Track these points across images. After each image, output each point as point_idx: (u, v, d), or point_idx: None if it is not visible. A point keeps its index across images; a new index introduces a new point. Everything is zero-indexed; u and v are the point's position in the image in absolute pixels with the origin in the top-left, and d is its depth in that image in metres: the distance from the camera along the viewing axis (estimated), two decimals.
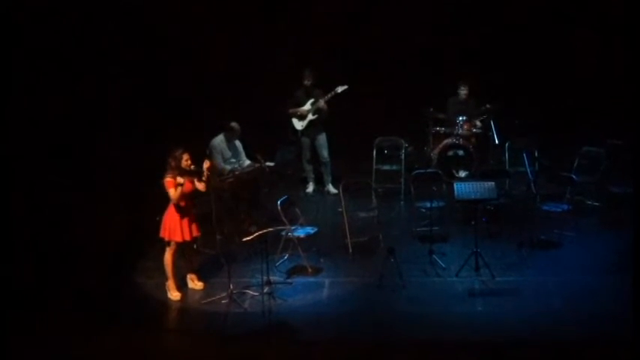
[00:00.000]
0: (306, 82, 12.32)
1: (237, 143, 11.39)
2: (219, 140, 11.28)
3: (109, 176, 12.16)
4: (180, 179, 9.36)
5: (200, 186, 9.45)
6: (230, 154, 11.30)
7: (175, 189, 9.36)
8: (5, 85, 10.01)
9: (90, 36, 12.25)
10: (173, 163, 9.37)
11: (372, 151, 12.59)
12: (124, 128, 12.75)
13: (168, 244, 9.52)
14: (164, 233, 9.51)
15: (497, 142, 12.40)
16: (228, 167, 11.19)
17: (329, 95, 12.22)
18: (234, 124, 11.28)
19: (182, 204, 9.44)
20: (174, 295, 9.65)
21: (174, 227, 9.44)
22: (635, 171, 8.39)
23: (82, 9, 12.06)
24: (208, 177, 9.42)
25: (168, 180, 9.37)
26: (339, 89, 12.17)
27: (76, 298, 9.55)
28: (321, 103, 12.23)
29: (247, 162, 11.37)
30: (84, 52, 12.09)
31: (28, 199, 10.76)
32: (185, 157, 9.40)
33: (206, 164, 9.39)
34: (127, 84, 12.85)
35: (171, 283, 9.66)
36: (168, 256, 9.57)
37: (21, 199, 10.54)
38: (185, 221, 9.47)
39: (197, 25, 13.73)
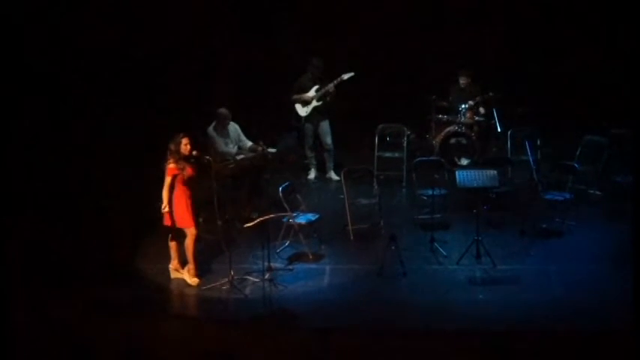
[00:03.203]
0: (313, 69, 12.28)
1: (232, 127, 11.29)
2: (214, 127, 11.22)
3: (109, 161, 12.16)
4: (182, 164, 9.34)
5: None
6: (228, 139, 11.24)
7: (174, 177, 9.32)
8: None
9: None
10: (173, 148, 9.34)
11: (374, 139, 12.57)
12: (126, 113, 12.74)
13: (181, 232, 9.49)
14: (182, 223, 9.45)
15: (499, 130, 12.39)
16: (233, 151, 11.15)
17: (335, 82, 12.18)
18: (221, 110, 11.16)
19: (187, 191, 9.41)
20: (193, 280, 9.62)
21: (187, 215, 9.42)
22: (635, 160, 8.34)
23: None
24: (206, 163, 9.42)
25: (170, 167, 9.34)
26: (345, 76, 12.13)
27: (76, 284, 9.53)
28: (331, 87, 12.18)
29: (249, 143, 11.27)
30: None
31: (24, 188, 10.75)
32: (184, 141, 9.37)
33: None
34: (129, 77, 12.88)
35: (191, 268, 9.62)
36: (189, 243, 9.50)
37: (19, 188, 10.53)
38: (191, 207, 9.45)
39: (200, 16, 13.69)
